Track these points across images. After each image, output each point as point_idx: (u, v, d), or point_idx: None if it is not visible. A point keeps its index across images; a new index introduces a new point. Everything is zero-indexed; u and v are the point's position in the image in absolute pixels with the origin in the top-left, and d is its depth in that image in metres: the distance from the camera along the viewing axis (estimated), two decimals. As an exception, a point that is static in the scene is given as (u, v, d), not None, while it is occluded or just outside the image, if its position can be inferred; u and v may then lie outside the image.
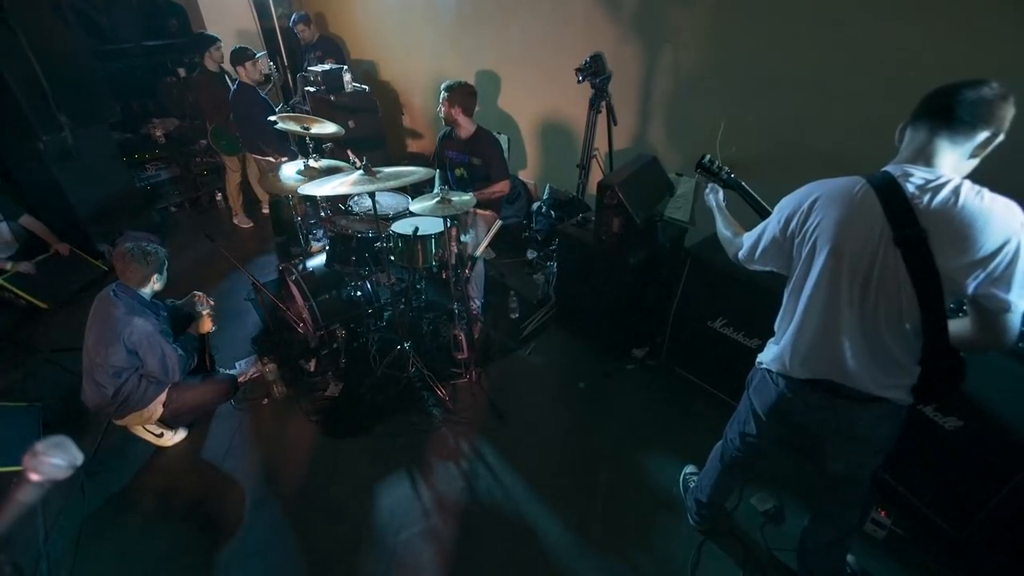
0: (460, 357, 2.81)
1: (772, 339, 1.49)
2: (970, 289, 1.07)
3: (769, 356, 1.48)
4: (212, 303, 2.53)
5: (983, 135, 1.09)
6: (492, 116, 4.29)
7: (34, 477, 0.94)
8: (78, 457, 0.98)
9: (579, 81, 2.92)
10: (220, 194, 5.19)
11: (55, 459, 0.95)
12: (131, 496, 2.27)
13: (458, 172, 3.22)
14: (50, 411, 2.62)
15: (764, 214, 1.80)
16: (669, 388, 2.68)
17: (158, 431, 2.44)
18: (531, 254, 3.78)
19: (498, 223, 2.73)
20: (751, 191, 1.81)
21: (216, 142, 4.39)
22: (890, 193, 1.13)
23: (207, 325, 2.47)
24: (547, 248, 3.68)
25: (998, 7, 1.89)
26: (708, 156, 1.81)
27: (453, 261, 2.51)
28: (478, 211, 3.18)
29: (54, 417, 2.60)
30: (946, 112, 1.10)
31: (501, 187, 3.22)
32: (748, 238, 1.48)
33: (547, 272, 3.48)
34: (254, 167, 4.52)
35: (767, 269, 1.45)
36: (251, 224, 4.70)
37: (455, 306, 2.71)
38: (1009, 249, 1.03)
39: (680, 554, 1.93)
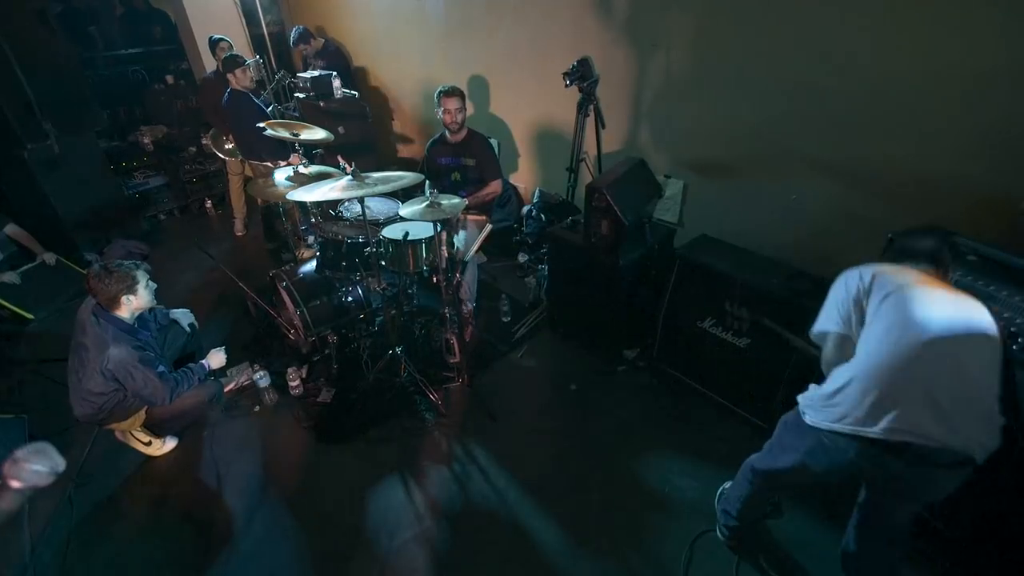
0: (452, 361, 2.81)
1: (828, 392, 1.36)
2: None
3: (828, 414, 1.35)
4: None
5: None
6: (482, 121, 4.31)
7: (15, 484, 0.92)
8: (60, 463, 0.97)
9: (567, 85, 2.94)
10: (210, 201, 5.16)
11: (36, 465, 0.94)
12: (120, 506, 2.25)
13: (454, 176, 3.24)
14: (36, 423, 2.58)
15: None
16: (660, 388, 2.69)
17: (146, 439, 2.41)
18: (522, 257, 3.78)
19: (488, 227, 2.75)
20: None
21: (216, 143, 4.37)
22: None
23: (218, 360, 2.45)
24: (538, 251, 3.69)
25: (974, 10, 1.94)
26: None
27: (444, 265, 2.52)
28: (469, 216, 3.20)
29: (40, 429, 2.55)
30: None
31: (494, 187, 3.23)
32: (822, 315, 1.45)
33: (538, 275, 3.49)
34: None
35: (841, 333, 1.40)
36: (244, 231, 4.68)
37: (447, 310, 2.71)
38: None
39: (673, 552, 1.94)
